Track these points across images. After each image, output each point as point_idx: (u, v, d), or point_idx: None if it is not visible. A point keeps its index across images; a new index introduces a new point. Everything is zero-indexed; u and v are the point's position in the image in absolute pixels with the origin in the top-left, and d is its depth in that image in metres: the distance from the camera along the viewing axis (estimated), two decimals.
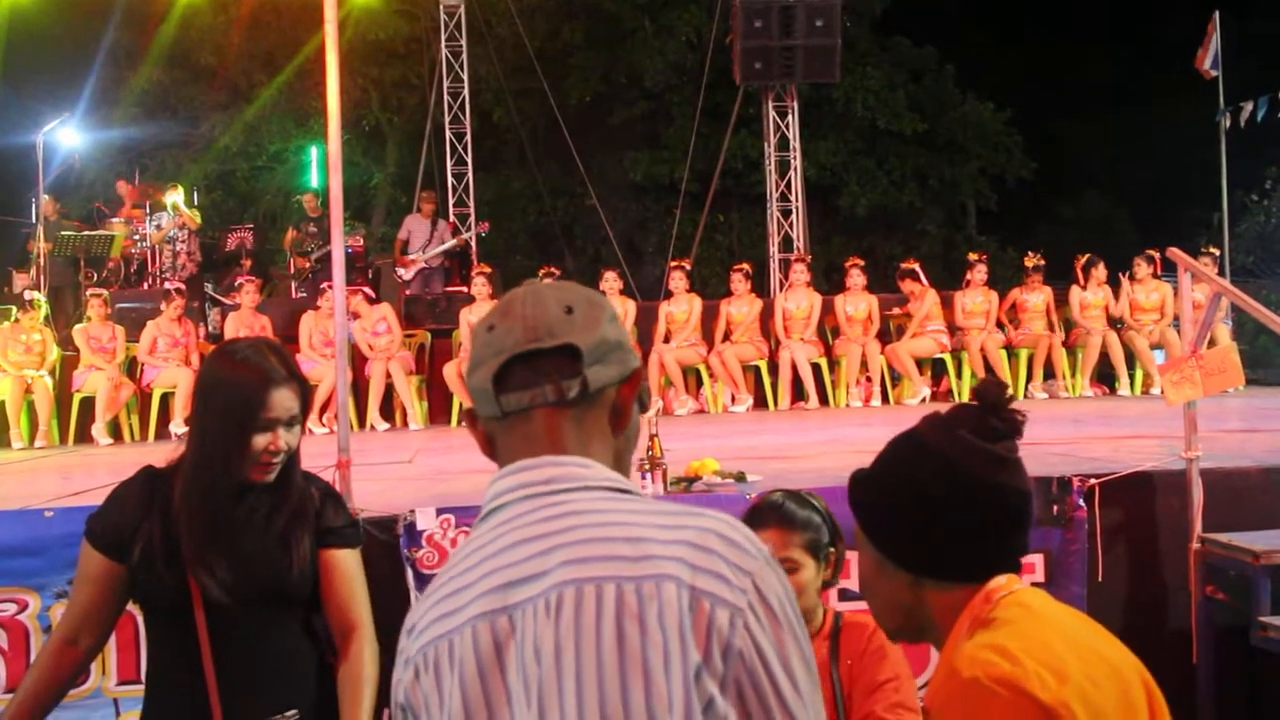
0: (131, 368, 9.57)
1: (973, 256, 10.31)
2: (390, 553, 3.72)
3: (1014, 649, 1.36)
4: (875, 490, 1.54)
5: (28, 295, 9.62)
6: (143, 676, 2.50)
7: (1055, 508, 4.01)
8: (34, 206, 11.59)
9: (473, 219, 13.93)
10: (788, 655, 1.09)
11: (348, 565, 2.33)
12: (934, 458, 1.47)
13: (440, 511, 3.75)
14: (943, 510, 1.45)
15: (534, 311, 1.23)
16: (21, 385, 8.93)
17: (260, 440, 2.18)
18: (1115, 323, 9.88)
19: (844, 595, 3.59)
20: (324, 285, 10.06)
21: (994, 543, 1.48)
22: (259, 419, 2.18)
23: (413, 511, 3.77)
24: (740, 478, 4.23)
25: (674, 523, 1.14)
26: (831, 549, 2.42)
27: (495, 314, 1.26)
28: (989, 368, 9.60)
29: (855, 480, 1.58)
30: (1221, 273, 10.20)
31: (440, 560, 3.64)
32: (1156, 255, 9.77)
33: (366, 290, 10.33)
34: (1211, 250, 9.89)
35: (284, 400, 2.20)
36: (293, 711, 2.21)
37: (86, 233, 11.48)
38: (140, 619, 2.36)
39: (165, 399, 9.21)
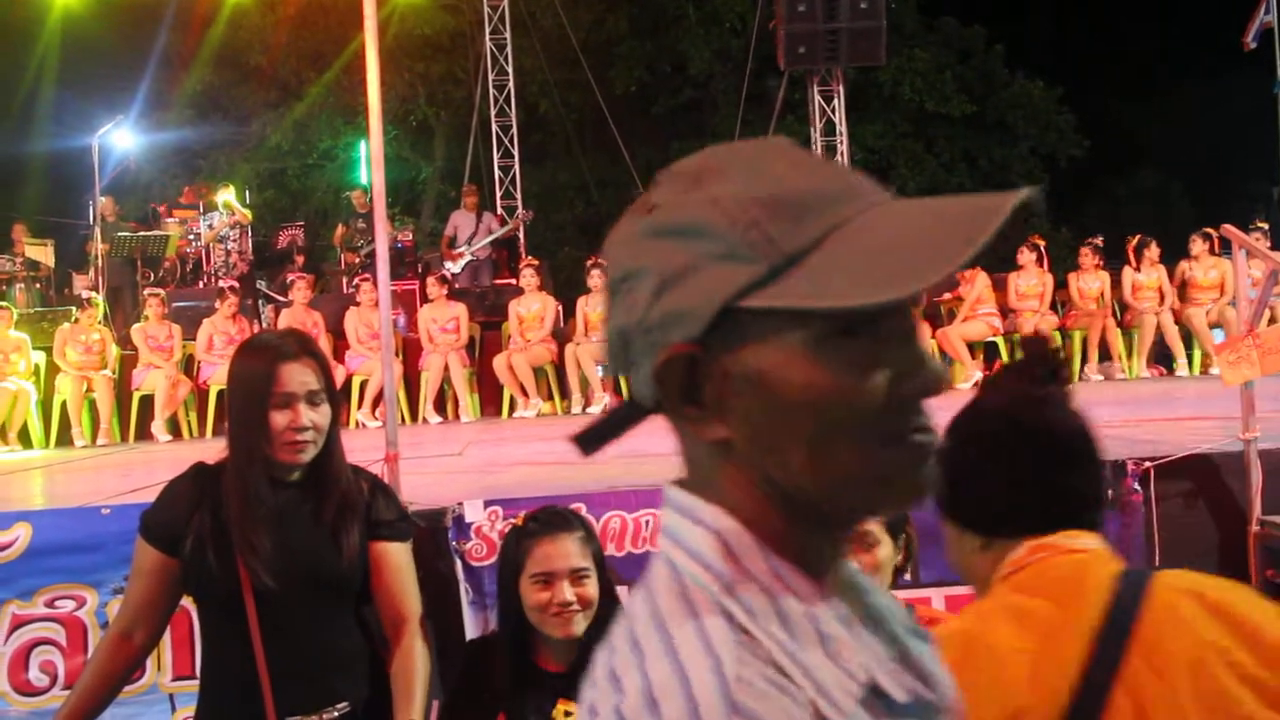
0: (189, 365, 9.72)
1: (1026, 247, 10.07)
2: (440, 545, 3.74)
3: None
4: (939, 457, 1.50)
5: (85, 295, 9.81)
6: (197, 672, 2.54)
7: (1110, 492, 3.94)
8: (91, 208, 11.80)
9: (520, 211, 13.98)
10: None
11: (398, 558, 2.34)
12: (987, 411, 1.47)
13: (488, 504, 3.73)
14: (996, 458, 1.44)
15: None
16: (82, 384, 9.12)
17: (280, 417, 2.19)
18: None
19: None
20: (357, 280, 10.14)
21: (1052, 488, 1.46)
22: (272, 394, 2.18)
23: (461, 504, 3.77)
24: None
25: (620, 648, 0.79)
26: (907, 526, 2.37)
27: None
28: None
29: None
30: (1275, 247, 9.97)
31: (489, 553, 3.60)
32: (1214, 233, 9.56)
33: (448, 276, 10.39)
34: (1261, 225, 9.65)
35: (296, 374, 2.20)
36: (344, 703, 2.23)
37: (142, 233, 11.67)
38: (195, 615, 2.40)
39: (222, 395, 9.33)
